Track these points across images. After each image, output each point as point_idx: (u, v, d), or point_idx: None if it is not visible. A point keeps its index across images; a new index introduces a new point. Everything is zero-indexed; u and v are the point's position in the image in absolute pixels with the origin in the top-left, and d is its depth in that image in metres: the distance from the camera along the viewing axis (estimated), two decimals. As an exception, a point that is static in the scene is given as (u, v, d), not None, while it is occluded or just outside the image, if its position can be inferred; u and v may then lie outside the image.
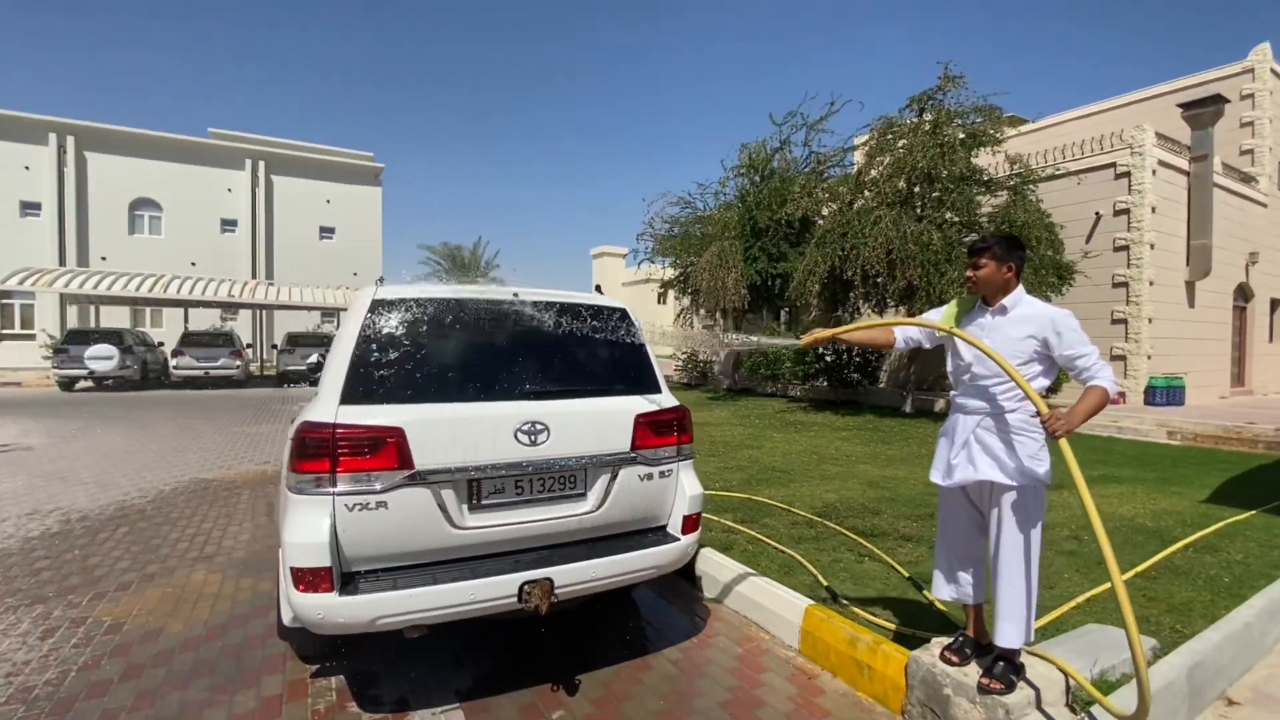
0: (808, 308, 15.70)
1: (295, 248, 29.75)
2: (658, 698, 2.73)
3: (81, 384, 17.80)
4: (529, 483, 2.66)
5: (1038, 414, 2.16)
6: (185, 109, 58.33)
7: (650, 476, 2.92)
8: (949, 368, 2.52)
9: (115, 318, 25.01)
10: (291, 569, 2.29)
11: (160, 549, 4.67)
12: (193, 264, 26.99)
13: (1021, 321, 2.33)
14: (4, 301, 24.85)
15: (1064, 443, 2.11)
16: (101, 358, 16.73)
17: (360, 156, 32.64)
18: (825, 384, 14.68)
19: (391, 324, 2.64)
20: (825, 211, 13.96)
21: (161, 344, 21.10)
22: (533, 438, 2.62)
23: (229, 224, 28.90)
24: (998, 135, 11.79)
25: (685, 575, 4.02)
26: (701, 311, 18.07)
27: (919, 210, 11.78)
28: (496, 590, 2.48)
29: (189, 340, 18.78)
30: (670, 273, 18.63)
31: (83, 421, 11.39)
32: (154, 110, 57.66)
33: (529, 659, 3.03)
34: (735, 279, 14.59)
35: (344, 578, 2.39)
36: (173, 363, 18.26)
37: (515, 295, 2.91)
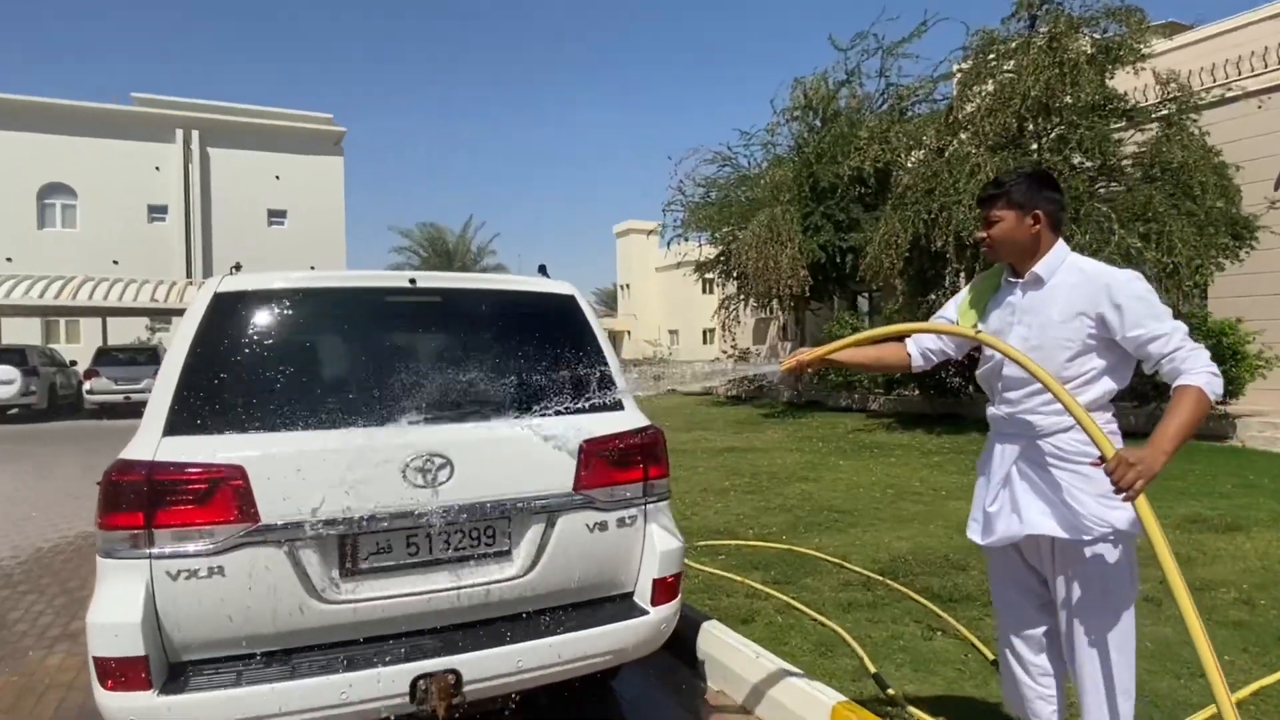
0: (890, 290, 15.33)
1: (239, 237, 30.64)
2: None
3: (-19, 415, 18.62)
4: (426, 539, 2.53)
5: (1101, 459, 1.81)
6: (104, 74, 61.18)
7: (603, 526, 2.76)
8: (979, 371, 2.30)
9: (24, 332, 26.18)
10: (94, 659, 2.21)
11: (18, 625, 4.72)
12: (115, 262, 28.06)
13: (1067, 293, 2.08)
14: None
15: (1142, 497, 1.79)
16: (5, 381, 17.48)
17: (316, 119, 33.50)
18: (916, 392, 14.26)
19: (239, 326, 2.55)
20: (910, 162, 13.60)
21: (74, 363, 21.96)
22: (428, 476, 2.49)
23: (157, 211, 29.98)
24: (1141, 48, 11.26)
25: (685, 659, 3.86)
26: (751, 301, 17.87)
27: (1034, 153, 11.34)
28: (379, 687, 2.35)
29: (105, 358, 19.45)
30: (709, 251, 18.47)
31: (-32, 462, 11.85)
32: (67, 78, 60.75)
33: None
34: (791, 256, 14.36)
35: (170, 670, 2.30)
36: (85, 386, 18.94)
37: (412, 282, 2.80)
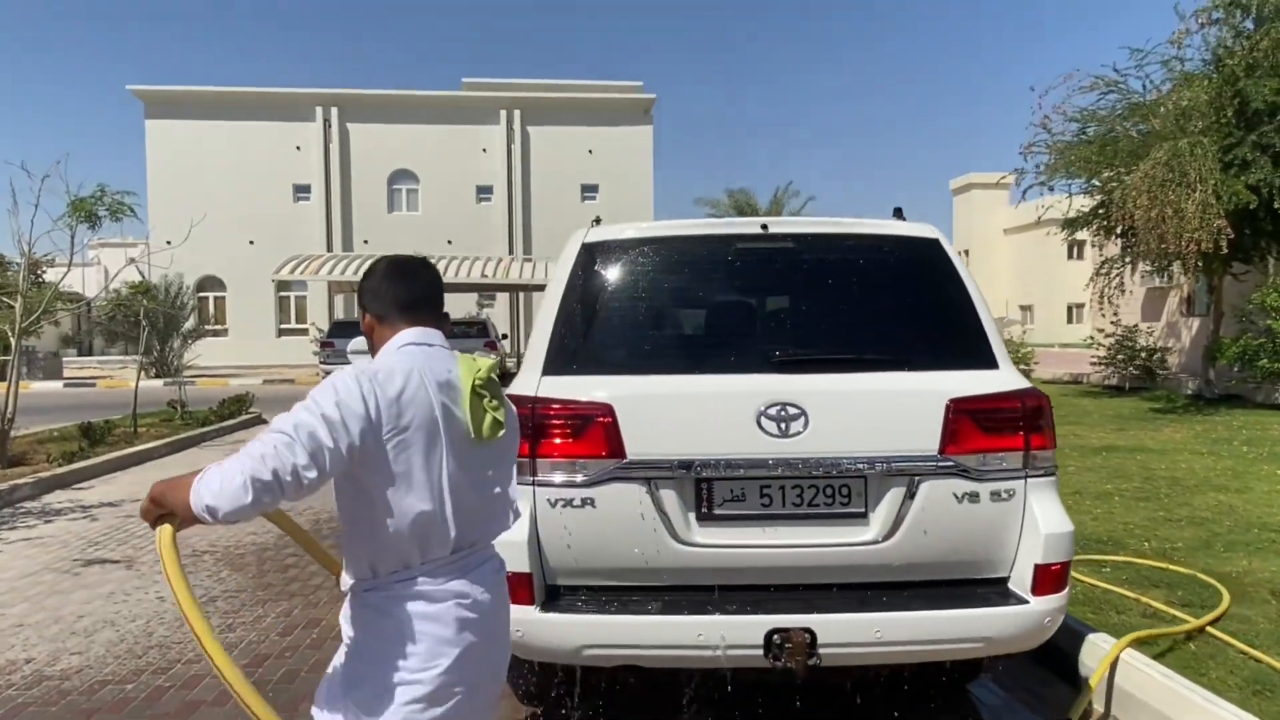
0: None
1: (555, 213, 34.45)
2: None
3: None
4: (779, 490, 2.73)
5: None
6: (438, 62, 73.18)
7: (974, 497, 2.74)
8: None
9: (377, 309, 32.16)
10: (490, 573, 2.75)
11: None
12: (449, 241, 33.18)
13: None
14: (281, 294, 33.84)
15: (163, 542, 1.60)
16: (361, 351, 21.56)
17: (626, 89, 36.36)
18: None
19: (604, 274, 2.97)
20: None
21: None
22: (783, 425, 2.68)
23: (485, 191, 34.92)
24: None
25: (1061, 674, 3.68)
26: (1141, 264, 15.80)
27: None
28: (734, 634, 2.60)
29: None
30: (1083, 204, 16.63)
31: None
32: (405, 71, 73.45)
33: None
34: (1202, 202, 12.36)
35: (548, 590, 2.78)
36: (427, 357, 22.73)
37: (764, 228, 3.00)
